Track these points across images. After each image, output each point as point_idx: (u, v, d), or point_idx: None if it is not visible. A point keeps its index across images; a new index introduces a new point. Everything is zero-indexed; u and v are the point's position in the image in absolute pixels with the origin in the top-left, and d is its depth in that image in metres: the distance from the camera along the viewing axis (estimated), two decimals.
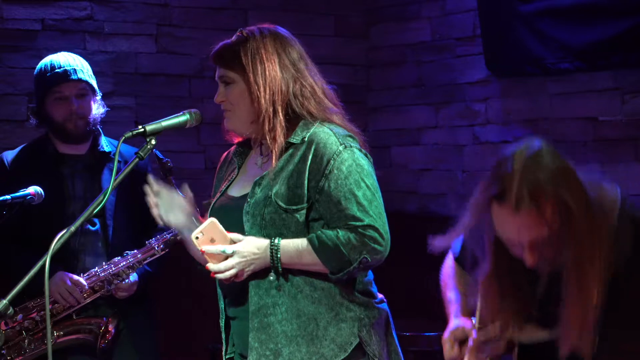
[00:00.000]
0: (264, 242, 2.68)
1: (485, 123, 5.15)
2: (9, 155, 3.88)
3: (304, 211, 2.71)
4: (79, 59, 3.83)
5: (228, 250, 2.63)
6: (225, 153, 3.00)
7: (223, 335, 2.90)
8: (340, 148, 2.71)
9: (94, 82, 3.81)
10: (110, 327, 3.60)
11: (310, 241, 2.69)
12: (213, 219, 2.65)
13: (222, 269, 2.65)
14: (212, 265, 2.65)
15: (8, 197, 3.33)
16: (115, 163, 2.56)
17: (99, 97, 3.84)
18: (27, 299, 3.57)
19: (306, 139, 2.74)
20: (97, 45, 5.08)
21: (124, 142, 2.61)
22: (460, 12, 5.26)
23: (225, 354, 2.90)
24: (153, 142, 2.63)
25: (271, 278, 2.71)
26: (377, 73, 5.79)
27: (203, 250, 2.63)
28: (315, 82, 2.84)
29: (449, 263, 2.85)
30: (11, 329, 3.56)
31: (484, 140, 5.16)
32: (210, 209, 2.85)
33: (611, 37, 4.37)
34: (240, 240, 2.67)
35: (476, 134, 5.20)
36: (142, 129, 2.62)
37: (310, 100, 2.80)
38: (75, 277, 3.58)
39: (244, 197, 2.77)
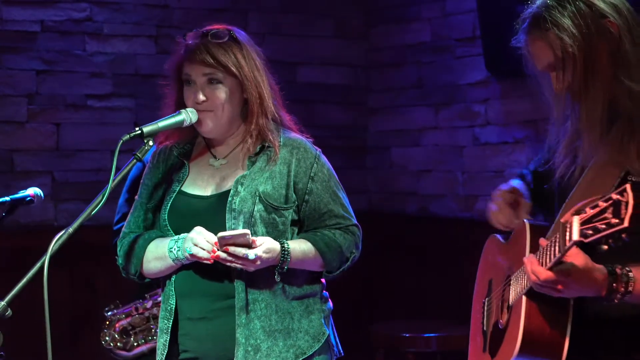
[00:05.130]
0: (277, 247, 2.71)
1: (485, 124, 5.15)
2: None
3: (291, 210, 2.80)
4: None
5: (251, 255, 2.64)
6: (156, 152, 2.92)
7: (166, 340, 2.82)
8: (318, 152, 2.87)
9: None
10: None
11: (315, 245, 2.79)
12: (247, 231, 2.65)
13: (253, 269, 2.68)
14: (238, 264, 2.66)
15: (7, 198, 3.33)
16: (114, 165, 2.56)
17: None
18: (156, 287, 3.61)
19: (281, 143, 2.82)
20: (97, 47, 5.09)
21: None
22: (460, 13, 5.27)
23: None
24: (150, 143, 2.64)
25: (277, 278, 2.76)
26: (377, 74, 5.80)
27: (228, 249, 2.63)
28: (272, 84, 2.89)
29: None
30: (140, 315, 3.60)
31: (483, 141, 5.16)
32: (168, 207, 2.82)
33: None
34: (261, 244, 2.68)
35: (476, 135, 5.20)
36: (139, 131, 2.63)
37: (274, 103, 2.88)
38: None
39: (222, 195, 2.78)
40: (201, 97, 2.77)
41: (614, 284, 2.15)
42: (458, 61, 5.29)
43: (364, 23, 5.82)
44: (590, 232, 1.98)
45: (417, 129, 5.54)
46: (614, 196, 1.96)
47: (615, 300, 2.17)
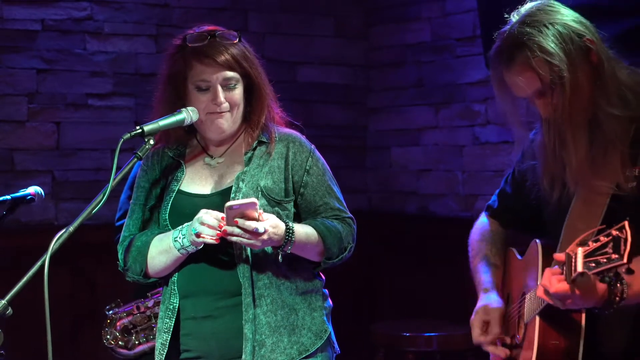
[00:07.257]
0: (282, 225, 2.70)
1: (485, 123, 5.16)
2: None
3: (292, 203, 2.81)
4: None
5: (260, 228, 2.62)
6: (149, 154, 2.90)
7: (166, 339, 2.82)
8: (312, 147, 2.88)
9: None
10: None
11: (316, 228, 2.78)
12: (255, 199, 2.64)
13: (260, 246, 2.66)
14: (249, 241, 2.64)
15: (8, 197, 3.33)
16: (115, 164, 2.56)
17: None
18: (158, 285, 3.61)
19: (276, 138, 2.83)
20: (97, 46, 5.09)
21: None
22: (460, 12, 5.27)
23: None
24: (151, 142, 2.64)
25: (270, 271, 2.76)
26: (377, 74, 5.80)
27: (237, 221, 2.61)
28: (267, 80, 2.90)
29: (479, 224, 2.84)
30: (141, 313, 3.61)
31: (484, 140, 5.16)
32: (168, 207, 2.82)
33: (612, 38, 4.37)
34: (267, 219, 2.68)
35: (476, 135, 5.20)
36: (140, 130, 2.64)
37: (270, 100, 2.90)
38: None
39: (223, 192, 2.78)
40: (224, 101, 2.76)
41: (611, 295, 2.19)
42: (458, 60, 5.30)
43: (363, 23, 5.82)
44: (593, 265, 2.07)
45: (417, 129, 5.55)
46: (614, 232, 2.04)
47: (615, 306, 2.20)
